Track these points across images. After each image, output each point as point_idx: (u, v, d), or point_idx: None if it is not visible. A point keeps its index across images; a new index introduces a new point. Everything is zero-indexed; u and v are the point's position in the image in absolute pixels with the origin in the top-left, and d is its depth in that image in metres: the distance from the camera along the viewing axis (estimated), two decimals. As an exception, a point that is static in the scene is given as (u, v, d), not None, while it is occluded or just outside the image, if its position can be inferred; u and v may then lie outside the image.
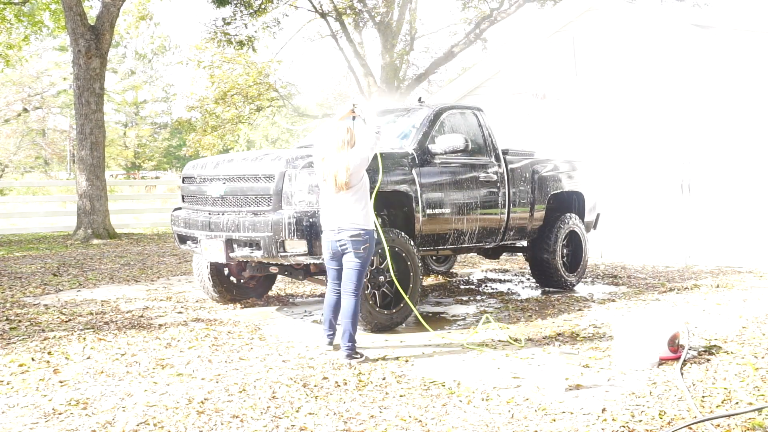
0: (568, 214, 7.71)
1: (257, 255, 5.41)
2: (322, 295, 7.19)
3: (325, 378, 4.25)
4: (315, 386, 4.09)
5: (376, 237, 4.81)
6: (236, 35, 18.56)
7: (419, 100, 7.41)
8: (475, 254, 7.76)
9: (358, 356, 4.68)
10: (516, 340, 5.18)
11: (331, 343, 4.98)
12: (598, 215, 8.51)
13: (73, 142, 22.63)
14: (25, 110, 28.24)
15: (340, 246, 4.69)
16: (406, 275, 5.70)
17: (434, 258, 8.77)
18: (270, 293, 7.26)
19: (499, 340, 5.21)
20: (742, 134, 9.42)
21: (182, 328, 5.66)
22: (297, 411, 3.67)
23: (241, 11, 18.20)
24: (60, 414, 3.65)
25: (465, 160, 6.48)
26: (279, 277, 7.36)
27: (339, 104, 4.80)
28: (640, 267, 9.41)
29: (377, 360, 4.69)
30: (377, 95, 18.61)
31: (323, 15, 18.58)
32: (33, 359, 4.72)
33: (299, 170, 5.32)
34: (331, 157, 4.68)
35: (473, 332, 5.42)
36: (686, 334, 4.74)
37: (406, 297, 5.45)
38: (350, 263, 4.69)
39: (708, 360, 4.54)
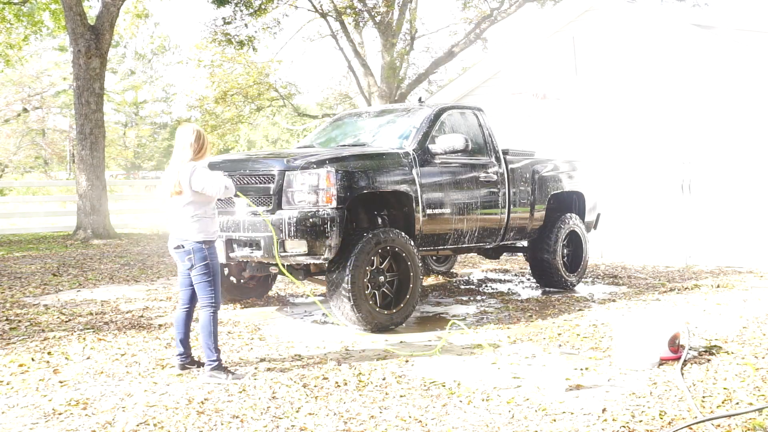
0: (569, 214, 7.71)
1: (257, 255, 5.41)
2: (323, 295, 7.19)
3: (325, 378, 4.25)
4: (315, 386, 4.08)
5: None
6: (236, 35, 18.57)
7: (419, 100, 7.41)
8: (475, 254, 7.76)
9: (221, 375, 4.25)
10: (495, 345, 5.16)
11: (182, 367, 4.46)
12: (598, 215, 8.51)
13: (73, 142, 22.62)
14: (25, 110, 28.23)
15: (176, 257, 4.44)
16: (406, 275, 5.70)
17: (434, 258, 8.76)
18: (270, 293, 7.26)
19: (476, 345, 5.21)
20: (742, 134, 9.42)
21: (182, 328, 5.65)
22: (297, 411, 3.66)
23: (241, 11, 18.20)
24: (60, 414, 3.64)
25: (465, 160, 6.48)
26: (279, 277, 7.36)
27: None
28: (641, 267, 9.41)
29: (377, 360, 4.69)
30: (377, 95, 18.61)
31: (323, 15, 18.57)
32: (33, 359, 4.71)
33: (299, 170, 5.31)
34: (173, 162, 4.37)
35: (442, 341, 5.15)
36: (686, 334, 4.73)
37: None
38: (193, 275, 4.38)
39: (708, 360, 4.54)
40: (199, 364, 4.44)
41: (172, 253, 4.42)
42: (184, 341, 4.46)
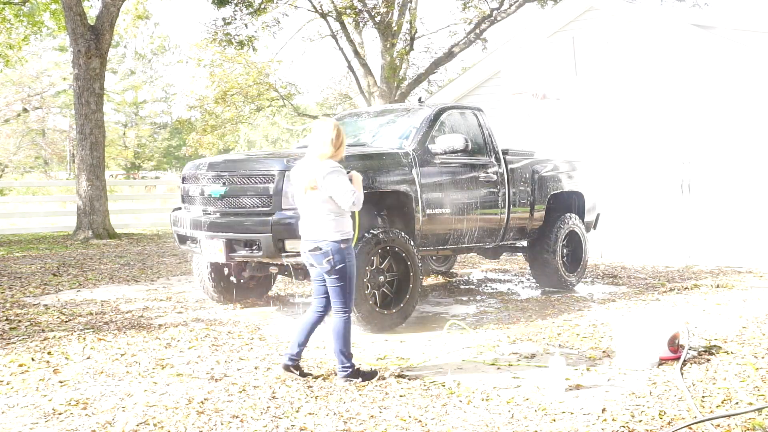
0: (568, 214, 7.71)
1: (257, 255, 5.41)
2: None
3: (325, 378, 4.25)
4: (315, 386, 4.08)
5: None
6: (237, 35, 18.56)
7: (419, 100, 7.41)
8: (475, 254, 7.76)
9: (356, 379, 4.19)
10: (495, 345, 5.17)
11: (287, 368, 4.29)
12: (598, 215, 8.51)
13: (73, 142, 22.62)
14: (25, 110, 28.23)
15: (307, 259, 4.29)
16: (406, 275, 5.70)
17: (434, 258, 8.76)
18: (270, 293, 7.26)
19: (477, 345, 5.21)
20: (742, 134, 9.42)
21: (182, 328, 5.66)
22: (297, 411, 3.67)
23: (242, 11, 18.20)
24: (60, 414, 3.65)
25: (465, 161, 6.48)
26: (279, 277, 7.36)
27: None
28: (640, 267, 9.41)
29: (377, 360, 4.69)
30: (377, 95, 18.61)
31: (323, 15, 18.57)
32: (33, 359, 4.71)
33: (299, 170, 5.31)
34: (309, 157, 4.25)
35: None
36: (686, 334, 4.74)
37: None
38: (328, 279, 4.23)
39: (708, 360, 4.54)
40: (302, 373, 4.27)
41: (306, 257, 4.23)
42: (303, 344, 4.30)
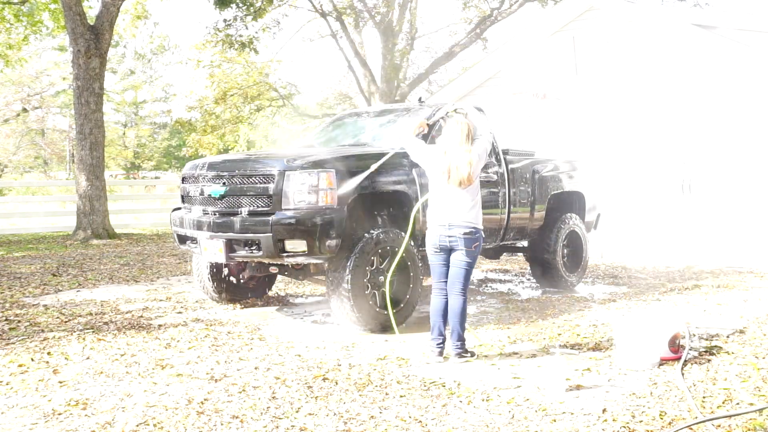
0: (569, 214, 7.71)
1: (257, 255, 5.40)
2: (322, 295, 7.19)
3: (325, 378, 4.24)
4: (315, 386, 4.08)
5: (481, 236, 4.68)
6: (238, 37, 18.56)
7: (419, 100, 7.40)
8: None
9: (468, 355, 4.62)
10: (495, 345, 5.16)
11: (441, 353, 4.61)
12: (598, 215, 8.50)
13: (73, 142, 22.61)
14: (25, 110, 28.24)
15: (450, 242, 4.58)
16: (406, 275, 5.70)
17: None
18: (270, 293, 7.25)
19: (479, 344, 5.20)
20: (742, 134, 9.41)
21: (182, 328, 5.65)
22: (297, 411, 3.66)
23: (243, 12, 18.19)
24: (59, 414, 3.64)
25: (465, 160, 6.46)
26: (279, 277, 7.35)
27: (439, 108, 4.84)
28: (641, 267, 9.40)
29: (377, 360, 4.68)
30: (377, 95, 18.61)
31: (323, 15, 18.57)
32: (32, 359, 4.71)
33: (299, 170, 5.30)
34: (454, 151, 4.59)
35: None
36: (687, 335, 4.73)
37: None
38: (459, 262, 4.59)
39: (709, 360, 4.53)
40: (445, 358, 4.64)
41: (445, 240, 4.56)
42: (443, 328, 4.63)
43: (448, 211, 4.56)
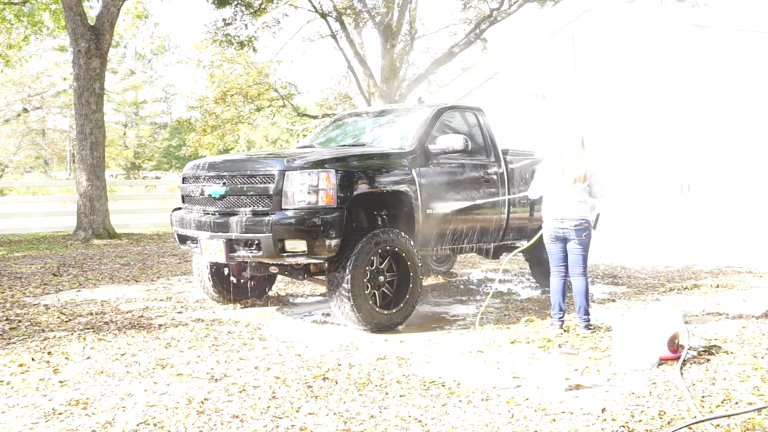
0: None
1: (257, 255, 5.41)
2: (323, 295, 7.20)
3: (325, 378, 4.25)
4: (315, 386, 4.09)
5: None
6: (237, 35, 18.57)
7: (419, 100, 7.41)
8: (475, 254, 7.76)
9: (593, 327, 5.43)
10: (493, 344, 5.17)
11: (561, 326, 5.41)
12: (598, 215, 8.48)
13: (73, 142, 22.63)
14: (25, 110, 28.24)
15: (564, 233, 5.41)
16: (406, 275, 5.71)
17: (434, 258, 8.77)
18: (270, 293, 7.26)
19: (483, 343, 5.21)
20: (742, 134, 9.42)
21: (182, 328, 5.66)
22: (297, 411, 3.67)
23: (242, 11, 18.20)
24: (60, 414, 3.65)
25: (465, 161, 6.48)
26: (279, 277, 7.36)
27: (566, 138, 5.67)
28: (640, 267, 9.41)
29: (377, 360, 4.69)
30: (377, 95, 18.61)
31: (323, 15, 18.57)
32: (33, 359, 4.72)
33: (299, 170, 5.31)
34: (569, 155, 5.46)
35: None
36: (686, 334, 4.74)
37: None
38: (574, 249, 5.41)
39: (708, 360, 4.54)
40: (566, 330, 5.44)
41: (560, 231, 5.41)
42: (563, 304, 5.46)
43: (561, 206, 5.41)
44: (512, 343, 5.16)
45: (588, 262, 5.48)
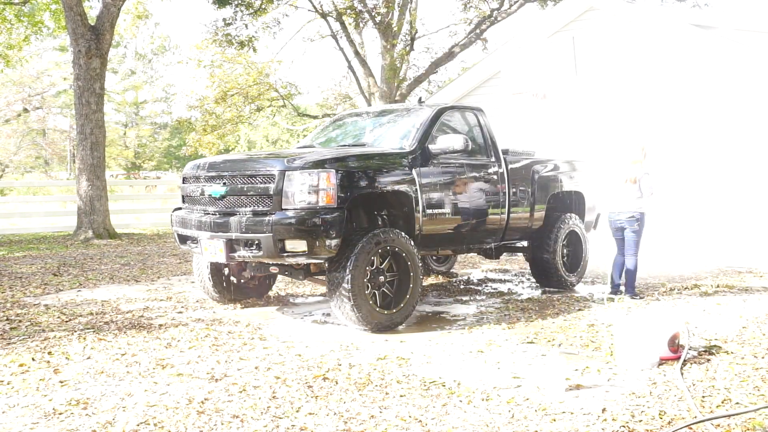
0: (568, 214, 7.72)
1: (258, 255, 5.41)
2: (323, 295, 7.20)
3: (325, 378, 4.25)
4: (315, 386, 4.09)
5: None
6: (237, 35, 18.57)
7: (419, 100, 7.41)
8: (475, 254, 7.76)
9: (638, 296, 6.84)
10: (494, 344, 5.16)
11: (613, 300, 6.74)
12: (598, 215, 8.51)
13: (74, 142, 22.64)
14: (26, 110, 28.25)
15: (620, 224, 6.92)
16: (406, 275, 5.71)
17: (434, 258, 8.77)
18: (270, 293, 7.26)
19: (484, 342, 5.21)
20: (742, 134, 9.42)
21: (182, 328, 5.66)
22: (297, 411, 3.67)
23: (242, 11, 18.20)
24: (60, 414, 3.65)
25: (465, 161, 6.48)
26: (279, 277, 7.36)
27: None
28: (640, 267, 9.39)
29: (377, 360, 4.69)
30: (377, 95, 18.61)
31: (323, 15, 18.57)
32: (33, 359, 4.72)
33: (299, 170, 5.31)
34: (628, 162, 6.87)
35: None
36: (686, 334, 4.74)
37: None
38: (629, 235, 6.85)
39: (708, 360, 4.54)
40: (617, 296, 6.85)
41: (618, 223, 6.93)
42: (618, 277, 7.03)
43: (618, 202, 6.91)
44: (512, 342, 5.15)
45: (640, 245, 6.92)
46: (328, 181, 5.27)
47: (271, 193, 5.35)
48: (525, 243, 7.73)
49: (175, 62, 43.04)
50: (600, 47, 10.61)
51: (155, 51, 37.50)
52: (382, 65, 19.08)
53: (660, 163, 10.09)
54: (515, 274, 8.95)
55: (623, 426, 3.39)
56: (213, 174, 5.81)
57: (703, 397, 3.81)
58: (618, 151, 7.00)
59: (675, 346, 4.59)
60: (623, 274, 7.01)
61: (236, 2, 17.86)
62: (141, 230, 15.98)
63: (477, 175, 6.59)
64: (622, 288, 7.03)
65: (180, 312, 6.44)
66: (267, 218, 5.29)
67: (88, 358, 4.78)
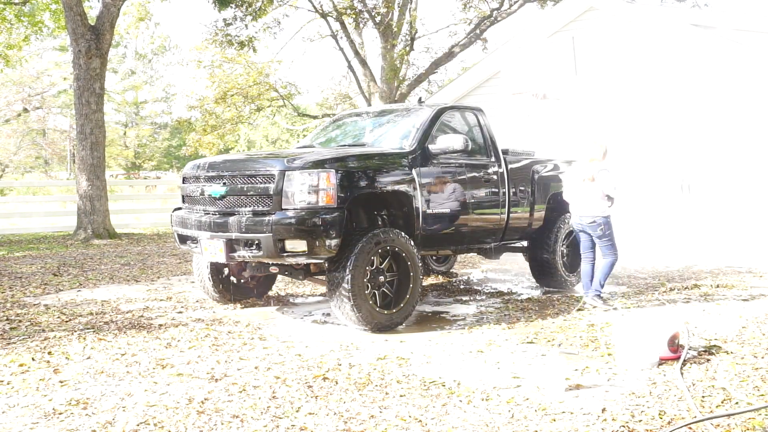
0: (568, 214, 7.70)
1: (257, 255, 5.41)
2: (323, 295, 7.20)
3: (325, 378, 4.25)
4: (315, 386, 4.09)
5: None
6: (237, 36, 18.57)
7: (419, 100, 7.41)
8: (475, 254, 7.76)
9: (602, 299, 6.41)
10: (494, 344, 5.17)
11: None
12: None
13: (73, 142, 22.65)
14: (26, 110, 28.25)
15: (580, 228, 6.58)
16: (406, 275, 5.71)
17: (434, 258, 8.77)
18: (270, 293, 7.26)
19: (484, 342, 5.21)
20: (742, 134, 9.42)
21: (182, 328, 5.67)
22: (297, 411, 3.67)
23: (243, 12, 18.20)
24: (60, 414, 3.65)
25: (465, 161, 6.48)
26: (279, 277, 7.36)
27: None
28: (640, 267, 9.41)
29: (377, 360, 4.69)
30: (377, 95, 18.62)
31: (323, 15, 18.58)
32: (33, 359, 4.72)
33: (299, 170, 5.31)
34: (586, 160, 6.53)
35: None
36: (686, 334, 4.74)
37: None
38: (597, 241, 6.51)
39: (708, 360, 4.54)
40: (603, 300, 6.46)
41: (581, 226, 6.55)
42: (592, 284, 6.49)
43: (579, 203, 6.52)
44: (512, 342, 5.16)
45: (615, 247, 6.51)
46: (328, 181, 5.28)
47: (271, 193, 5.36)
48: (525, 243, 7.73)
49: (175, 62, 43.09)
50: (600, 47, 10.61)
51: (155, 51, 37.52)
52: (382, 65, 19.09)
53: (660, 163, 10.10)
54: (515, 274, 8.95)
55: (623, 426, 3.39)
56: (213, 174, 5.81)
57: (703, 396, 3.81)
58: (577, 150, 6.64)
59: (675, 345, 4.59)
60: (594, 269, 6.63)
61: (237, 3, 17.86)
62: (141, 230, 15.99)
63: (477, 175, 6.59)
64: (588, 289, 6.53)
65: (180, 312, 6.45)
66: (267, 218, 5.30)
67: (88, 358, 4.78)
